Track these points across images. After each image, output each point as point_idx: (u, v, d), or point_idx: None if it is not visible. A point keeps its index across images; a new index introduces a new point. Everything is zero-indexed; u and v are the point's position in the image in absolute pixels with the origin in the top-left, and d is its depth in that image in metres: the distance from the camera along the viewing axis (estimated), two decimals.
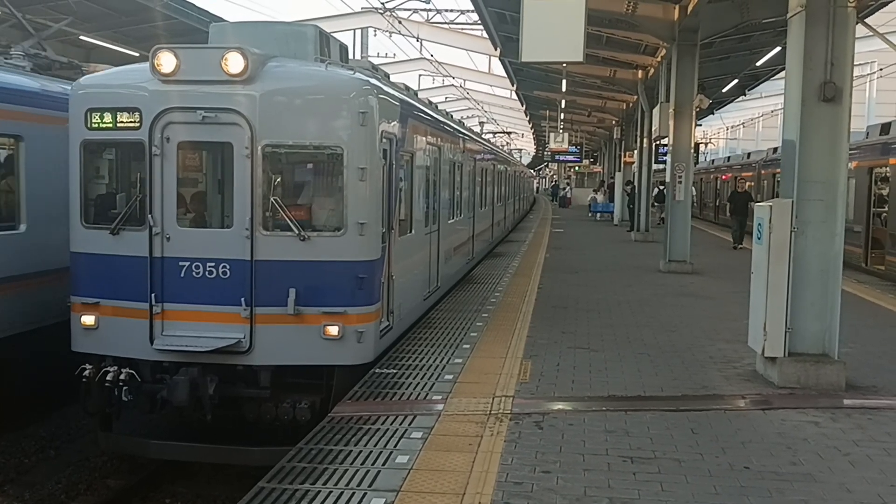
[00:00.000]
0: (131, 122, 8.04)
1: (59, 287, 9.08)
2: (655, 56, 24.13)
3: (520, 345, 10.12)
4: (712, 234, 31.21)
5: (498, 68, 40.01)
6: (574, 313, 12.55)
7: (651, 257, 20.24)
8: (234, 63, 7.79)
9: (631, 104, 33.55)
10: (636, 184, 29.33)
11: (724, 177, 40.42)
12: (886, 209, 19.04)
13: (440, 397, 7.75)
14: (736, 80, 29.01)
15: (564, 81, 28.85)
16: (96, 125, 8.16)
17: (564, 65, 23.62)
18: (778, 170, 15.56)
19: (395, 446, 6.40)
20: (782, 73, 15.97)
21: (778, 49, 21.28)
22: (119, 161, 8.81)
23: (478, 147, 19.33)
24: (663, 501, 5.47)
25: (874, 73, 42.59)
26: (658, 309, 13.14)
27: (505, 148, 46.88)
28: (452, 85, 47.28)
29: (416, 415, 7.20)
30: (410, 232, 10.50)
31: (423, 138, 11.31)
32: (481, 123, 52.87)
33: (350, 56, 11.08)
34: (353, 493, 5.49)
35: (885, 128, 20.01)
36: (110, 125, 8.13)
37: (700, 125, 48.95)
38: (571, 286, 15.57)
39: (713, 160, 52.72)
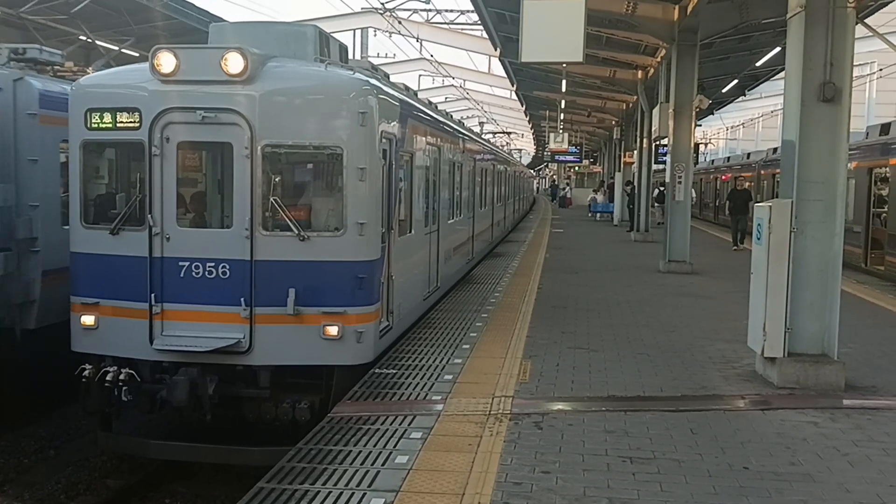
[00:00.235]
0: (131, 122, 8.04)
1: None
2: (655, 56, 24.14)
3: (519, 345, 10.13)
4: (712, 234, 31.21)
5: (498, 68, 40.07)
6: (574, 313, 12.56)
7: (651, 257, 20.24)
8: (234, 63, 7.80)
9: (631, 104, 33.55)
10: (636, 184, 29.33)
11: (723, 177, 40.42)
12: (886, 209, 19.04)
13: (440, 397, 7.75)
14: (736, 81, 29.00)
15: (564, 82, 28.85)
16: (96, 125, 8.16)
17: (564, 65, 23.62)
18: (777, 170, 15.55)
19: (395, 446, 6.40)
20: (782, 74, 16.00)
21: (778, 49, 21.28)
22: (119, 161, 8.82)
23: (477, 147, 19.33)
24: (662, 501, 5.47)
25: (874, 73, 42.57)
26: (658, 309, 13.14)
27: (505, 148, 46.89)
28: (452, 85, 47.29)
29: (416, 415, 7.21)
30: (410, 232, 10.50)
31: (423, 138, 11.32)
32: (481, 123, 52.92)
33: (350, 56, 11.09)
34: (353, 494, 5.49)
35: (885, 128, 20.01)
36: (110, 125, 8.13)
37: (700, 125, 48.96)
38: (571, 286, 15.57)
39: (713, 160, 52.71)
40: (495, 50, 28.19)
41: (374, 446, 6.40)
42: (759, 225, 8.62)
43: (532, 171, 76.73)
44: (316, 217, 8.30)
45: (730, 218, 25.55)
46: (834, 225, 8.43)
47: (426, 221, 11.70)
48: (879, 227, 19.52)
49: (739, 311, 11.01)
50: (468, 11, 31.27)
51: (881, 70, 39.97)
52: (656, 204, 31.69)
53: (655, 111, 22.01)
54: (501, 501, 5.41)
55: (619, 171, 37.71)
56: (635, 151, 30.91)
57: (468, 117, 50.08)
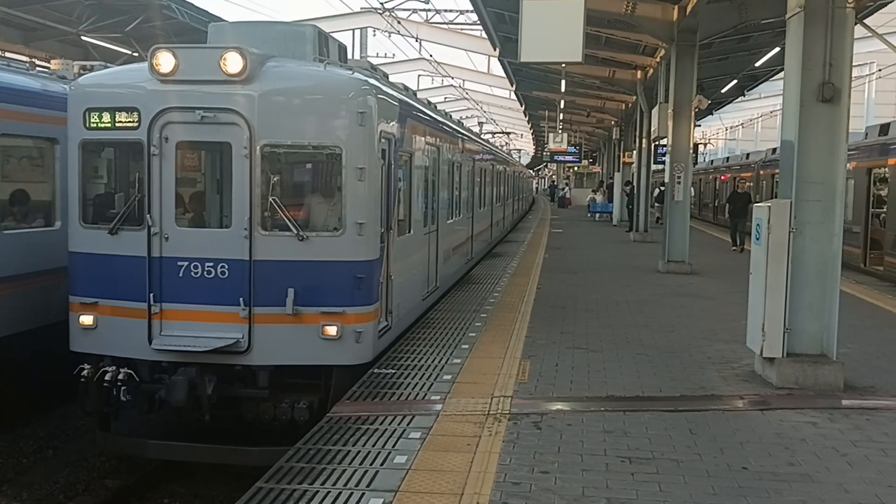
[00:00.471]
0: (130, 121, 8.03)
1: None
2: (654, 56, 24.14)
3: (518, 345, 10.13)
4: (711, 234, 31.22)
5: (497, 68, 40.07)
6: (573, 313, 12.56)
7: (650, 257, 20.24)
8: (233, 63, 7.79)
9: (630, 104, 33.56)
10: (635, 184, 29.34)
11: (723, 177, 40.43)
12: (885, 210, 19.04)
13: (439, 397, 7.75)
14: (735, 81, 29.01)
15: (563, 82, 28.85)
16: (95, 125, 8.16)
17: (563, 65, 23.61)
18: (777, 170, 15.56)
19: (394, 446, 6.40)
20: (781, 74, 15.98)
21: (777, 50, 21.28)
22: (118, 161, 8.81)
23: (477, 147, 19.33)
24: (661, 502, 5.47)
25: (873, 73, 42.59)
26: (657, 309, 13.14)
27: (504, 148, 46.90)
28: (451, 85, 47.29)
29: (415, 415, 7.20)
30: (409, 232, 10.50)
31: (422, 138, 11.31)
32: (480, 123, 52.92)
33: (349, 56, 11.08)
34: (352, 494, 5.49)
35: (884, 128, 19.99)
36: (109, 125, 8.12)
37: (699, 126, 48.94)
38: (570, 286, 15.57)
39: (712, 161, 52.73)
40: (494, 50, 28.20)
41: (373, 446, 6.40)
42: (758, 225, 8.63)
43: (531, 171, 76.74)
44: (315, 217, 8.29)
45: (729, 221, 25.38)
46: (833, 225, 8.44)
47: (425, 221, 11.70)
48: (878, 228, 19.52)
49: (738, 311, 11.02)
50: (467, 11, 31.28)
51: (880, 70, 39.97)
52: (656, 203, 31.68)
53: (654, 111, 22.02)
54: (500, 501, 5.41)
55: (619, 171, 37.72)
56: (634, 152, 30.93)
57: (467, 117, 50.11)
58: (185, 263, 7.95)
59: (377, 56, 39.08)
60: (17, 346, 9.34)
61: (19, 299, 9.50)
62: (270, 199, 7.92)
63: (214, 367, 7.86)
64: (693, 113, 18.95)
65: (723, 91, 31.22)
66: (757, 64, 24.98)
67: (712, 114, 44.62)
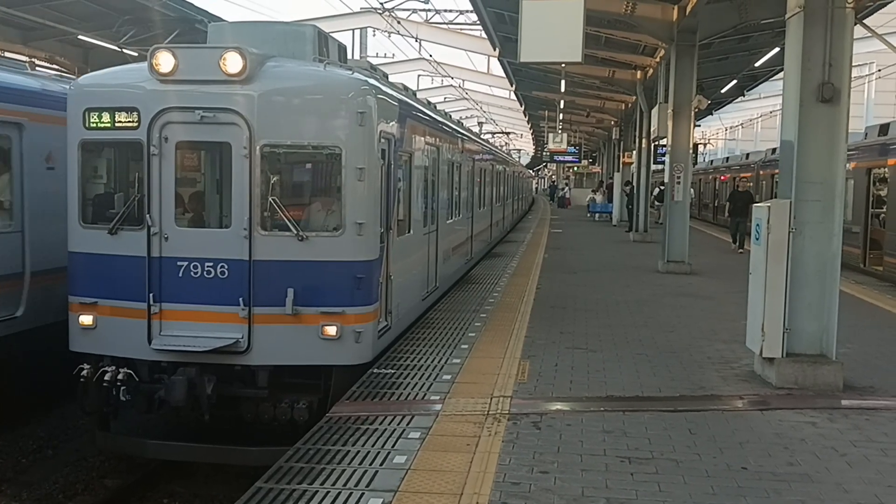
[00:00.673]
0: (129, 121, 8.03)
1: None
2: (654, 57, 24.14)
3: (518, 345, 10.13)
4: (711, 234, 31.22)
5: (497, 68, 40.04)
6: (572, 313, 12.56)
7: (649, 257, 20.24)
8: (233, 63, 7.79)
9: (630, 105, 33.56)
10: (635, 184, 29.33)
11: (722, 177, 40.43)
12: (885, 210, 19.04)
13: (438, 397, 7.75)
14: (735, 81, 29.00)
15: (563, 82, 28.84)
16: (94, 125, 8.16)
17: (563, 65, 23.60)
18: (776, 170, 15.55)
19: (393, 446, 6.40)
20: (781, 74, 15.98)
21: (777, 50, 21.27)
22: (117, 161, 8.81)
23: (476, 147, 19.33)
24: (661, 502, 5.47)
25: (872, 73, 42.59)
26: (656, 309, 13.15)
27: (504, 148, 46.91)
28: (451, 85, 47.28)
29: (414, 415, 7.20)
30: (409, 232, 10.50)
31: (422, 138, 11.31)
32: (480, 124, 52.91)
33: (349, 56, 11.08)
34: (351, 494, 5.49)
35: (884, 129, 19.99)
36: (108, 125, 8.12)
37: (699, 126, 48.96)
38: (570, 286, 15.57)
39: (712, 161, 52.73)
40: (494, 50, 28.18)
41: (373, 446, 6.40)
42: (757, 225, 8.63)
43: (531, 171, 76.74)
44: (314, 217, 8.29)
45: (729, 221, 25.20)
46: (832, 225, 8.44)
47: (425, 221, 11.70)
48: (878, 228, 19.52)
49: (738, 311, 11.01)
50: (467, 11, 31.28)
51: (880, 71, 39.97)
52: (656, 203, 31.66)
53: (654, 111, 22.00)
54: (500, 501, 5.41)
55: (618, 171, 37.72)
56: (634, 152, 30.92)
57: (467, 117, 50.13)
58: (185, 263, 7.95)
59: (377, 56, 39.13)
60: None
61: None
62: (270, 199, 7.92)
63: (214, 367, 7.87)
64: (693, 113, 18.95)
65: (722, 91, 31.22)
66: (757, 64, 24.98)
67: (712, 114, 44.61)
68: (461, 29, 34.18)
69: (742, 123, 68.04)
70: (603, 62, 27.07)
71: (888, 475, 6.03)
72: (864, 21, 15.14)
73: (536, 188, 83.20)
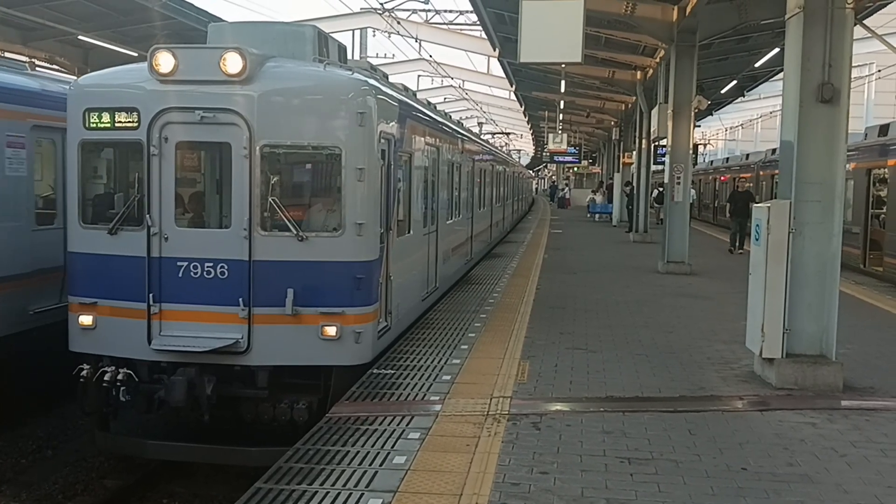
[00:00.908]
0: (129, 121, 8.03)
1: None
2: (654, 57, 24.14)
3: (518, 345, 10.12)
4: (711, 235, 31.22)
5: (497, 69, 40.05)
6: (572, 314, 12.56)
7: (649, 258, 20.24)
8: (233, 63, 7.79)
9: (630, 105, 33.56)
10: (635, 185, 29.33)
11: (722, 178, 40.43)
12: (885, 210, 19.05)
13: (438, 398, 7.75)
14: (734, 82, 29.00)
15: (563, 82, 28.84)
16: (94, 125, 8.15)
17: (563, 65, 23.60)
18: (776, 171, 15.55)
19: (393, 447, 6.40)
20: (781, 75, 15.98)
21: (776, 50, 21.27)
22: (117, 161, 8.81)
23: (476, 148, 19.33)
24: (660, 502, 5.47)
25: (872, 74, 42.59)
26: (656, 310, 13.15)
27: (503, 148, 46.90)
28: (451, 86, 47.30)
29: (414, 415, 7.20)
30: (409, 232, 10.50)
31: (422, 139, 11.31)
32: (480, 124, 52.92)
33: (349, 56, 11.08)
34: (350, 494, 5.49)
35: (884, 129, 20.00)
36: (108, 125, 8.12)
37: (699, 126, 48.94)
38: (570, 287, 15.57)
39: (711, 161, 52.74)
40: (494, 50, 28.19)
41: (372, 447, 6.40)
42: (757, 225, 8.62)
43: (531, 171, 76.75)
44: (314, 217, 8.29)
45: (730, 220, 25.09)
46: (832, 226, 8.44)
47: (425, 222, 11.70)
48: (878, 229, 19.52)
49: (738, 311, 11.00)
50: (467, 12, 31.27)
51: (880, 71, 39.98)
52: (655, 204, 31.65)
53: (654, 112, 22.01)
54: (499, 502, 5.41)
55: (618, 171, 37.73)
56: (634, 152, 30.92)
57: (467, 118, 50.14)
58: (185, 264, 7.95)
59: (377, 56, 39.11)
60: None
61: None
62: (270, 199, 7.92)
63: (214, 367, 7.86)
64: (693, 113, 18.95)
65: (722, 92, 31.21)
66: (756, 64, 24.97)
67: (712, 114, 44.59)
68: (461, 29, 34.21)
69: (742, 124, 68.05)
70: (603, 63, 27.07)
71: (888, 476, 6.02)
72: (864, 21, 15.14)
73: (536, 189, 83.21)
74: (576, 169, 61.23)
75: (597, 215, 40.33)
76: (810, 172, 8.39)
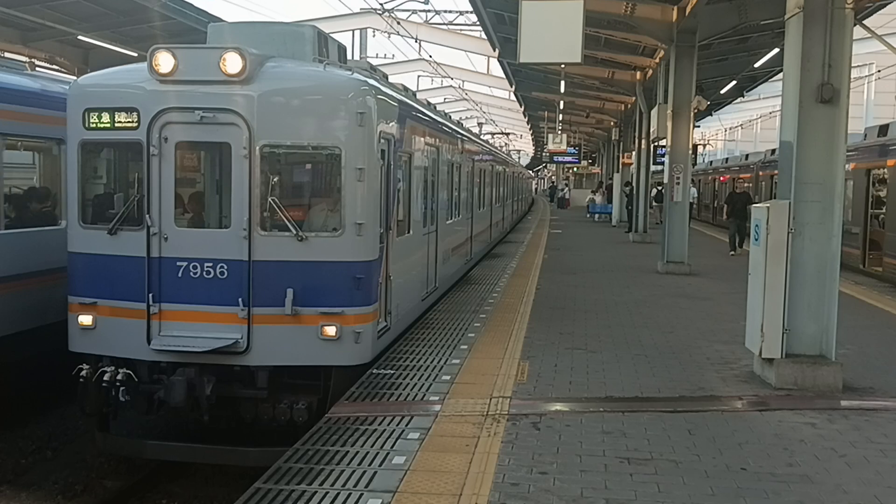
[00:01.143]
0: (129, 121, 8.04)
1: None
2: (654, 57, 24.14)
3: (517, 346, 10.13)
4: (710, 235, 31.22)
5: (496, 69, 40.04)
6: (572, 314, 12.56)
7: (649, 258, 20.25)
8: (233, 63, 7.79)
9: (629, 105, 33.57)
10: (634, 185, 29.33)
11: (722, 178, 40.44)
12: (884, 211, 19.05)
13: (437, 398, 7.75)
14: (734, 82, 29.00)
15: (563, 82, 28.86)
16: (94, 125, 8.16)
17: (563, 66, 23.63)
18: (776, 171, 15.55)
19: (392, 447, 6.40)
20: (780, 75, 15.98)
21: (776, 51, 21.27)
22: (117, 161, 8.81)
23: (476, 148, 19.33)
24: (660, 502, 5.48)
25: (872, 74, 42.61)
26: (655, 310, 13.15)
27: (503, 149, 46.89)
28: (451, 86, 47.30)
29: (413, 416, 7.20)
30: (408, 232, 10.50)
31: (422, 139, 11.32)
32: (480, 124, 52.90)
33: (349, 57, 11.08)
34: (350, 494, 5.49)
35: (883, 130, 19.99)
36: (108, 125, 8.12)
37: (698, 127, 48.93)
38: (569, 287, 15.57)
39: (711, 161, 52.75)
40: (494, 51, 28.18)
41: (372, 447, 6.40)
42: (756, 226, 8.63)
43: (531, 171, 76.75)
44: (314, 217, 8.29)
45: (728, 221, 24.98)
46: (832, 226, 8.44)
47: (424, 222, 11.70)
48: (877, 229, 19.52)
49: (737, 312, 11.01)
50: (467, 12, 31.28)
51: (879, 71, 40.00)
52: (655, 204, 31.64)
53: (654, 112, 21.99)
54: (499, 502, 5.41)
55: (618, 171, 37.73)
56: (634, 152, 30.93)
57: (467, 118, 50.16)
58: (185, 264, 7.95)
59: (377, 57, 39.08)
60: None
61: None
62: (269, 199, 7.92)
63: (213, 367, 7.86)
64: (692, 114, 18.95)
65: (722, 92, 31.21)
66: (756, 65, 24.97)
67: (711, 115, 44.59)
68: (461, 30, 34.23)
69: (741, 124, 68.08)
70: (602, 63, 27.08)
71: (887, 476, 6.03)
72: (864, 22, 15.15)
73: (536, 189, 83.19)
74: (575, 169, 61.25)
75: (596, 215, 40.34)
76: (810, 173, 8.40)
